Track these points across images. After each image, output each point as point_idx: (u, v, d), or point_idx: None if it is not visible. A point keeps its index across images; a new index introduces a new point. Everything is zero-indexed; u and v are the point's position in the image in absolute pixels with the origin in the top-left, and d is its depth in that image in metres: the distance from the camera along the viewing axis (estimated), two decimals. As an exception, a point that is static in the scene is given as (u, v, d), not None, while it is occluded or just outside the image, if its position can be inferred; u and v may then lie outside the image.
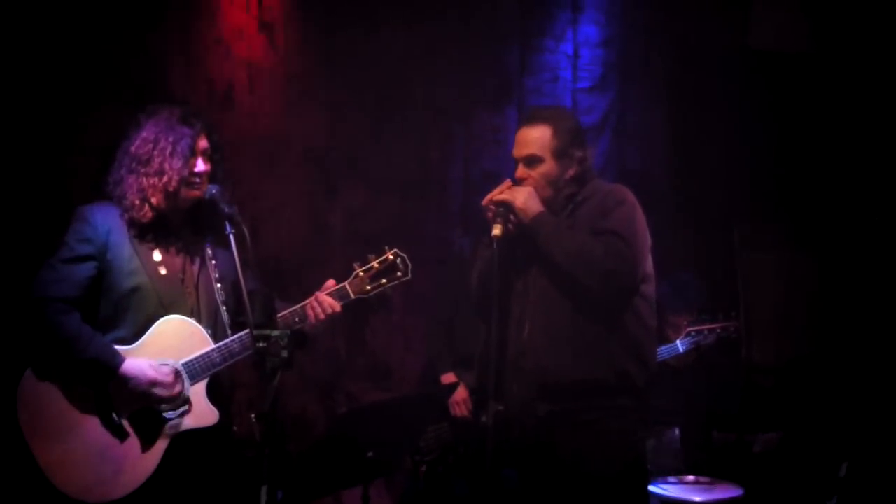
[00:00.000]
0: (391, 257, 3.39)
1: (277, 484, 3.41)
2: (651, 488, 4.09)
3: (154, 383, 3.15)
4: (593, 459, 3.29)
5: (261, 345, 2.89)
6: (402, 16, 5.23)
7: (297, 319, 3.30)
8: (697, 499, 4.23)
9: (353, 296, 3.36)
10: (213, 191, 3.25)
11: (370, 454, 3.77)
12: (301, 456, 3.95)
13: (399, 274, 3.39)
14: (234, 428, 3.49)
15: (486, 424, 3.26)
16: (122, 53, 4.50)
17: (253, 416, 3.09)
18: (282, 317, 3.28)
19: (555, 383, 3.32)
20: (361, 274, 3.37)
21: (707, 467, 4.53)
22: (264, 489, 2.87)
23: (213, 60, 4.83)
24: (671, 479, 4.37)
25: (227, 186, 3.32)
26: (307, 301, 3.32)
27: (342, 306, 3.35)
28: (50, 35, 4.30)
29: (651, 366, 3.44)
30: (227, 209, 3.19)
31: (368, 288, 3.37)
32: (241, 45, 4.93)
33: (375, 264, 3.37)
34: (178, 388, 3.19)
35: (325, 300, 3.32)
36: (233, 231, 3.14)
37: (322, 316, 3.31)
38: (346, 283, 3.36)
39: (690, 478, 4.41)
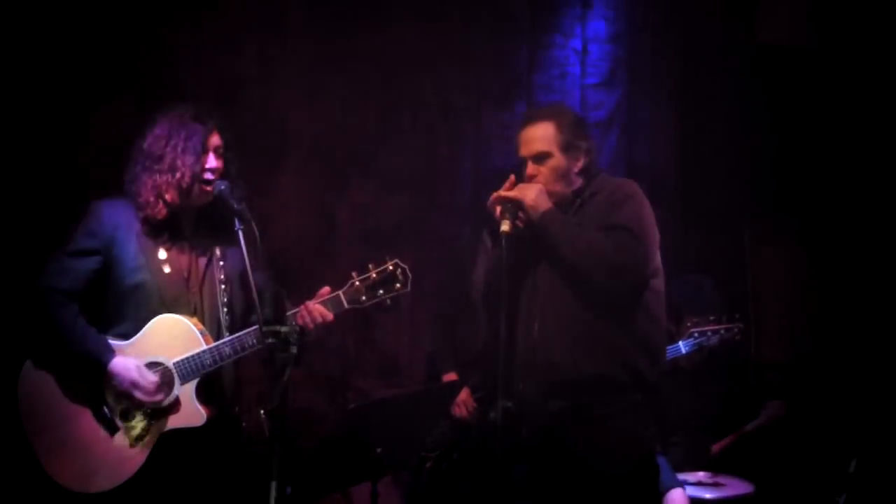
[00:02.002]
0: (391, 268, 3.25)
1: (287, 480, 3.41)
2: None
3: (135, 385, 3.16)
4: (604, 456, 3.28)
5: (270, 341, 2.86)
6: (411, 12, 5.23)
7: None
8: (708, 496, 4.22)
9: (346, 305, 3.25)
10: (222, 186, 3.24)
11: (379, 450, 3.77)
12: (310, 452, 3.96)
13: (398, 286, 3.25)
14: (244, 424, 3.49)
15: (494, 421, 3.26)
16: (133, 49, 4.52)
17: (262, 412, 3.07)
18: None
19: (566, 380, 3.31)
20: (357, 283, 3.25)
21: (717, 464, 4.52)
22: (273, 485, 2.86)
23: (223, 56, 4.84)
24: (682, 476, 4.35)
25: (240, 184, 3.32)
26: (297, 309, 3.25)
27: (336, 316, 3.25)
28: (60, 31, 4.32)
29: (661, 361, 3.43)
30: (236, 205, 3.18)
31: (364, 298, 3.25)
32: (251, 42, 4.93)
33: (373, 274, 3.25)
34: (159, 396, 3.19)
35: (315, 309, 3.23)
36: (242, 227, 3.13)
37: (311, 326, 3.23)
38: (340, 292, 3.26)
39: (701, 475, 4.40)
